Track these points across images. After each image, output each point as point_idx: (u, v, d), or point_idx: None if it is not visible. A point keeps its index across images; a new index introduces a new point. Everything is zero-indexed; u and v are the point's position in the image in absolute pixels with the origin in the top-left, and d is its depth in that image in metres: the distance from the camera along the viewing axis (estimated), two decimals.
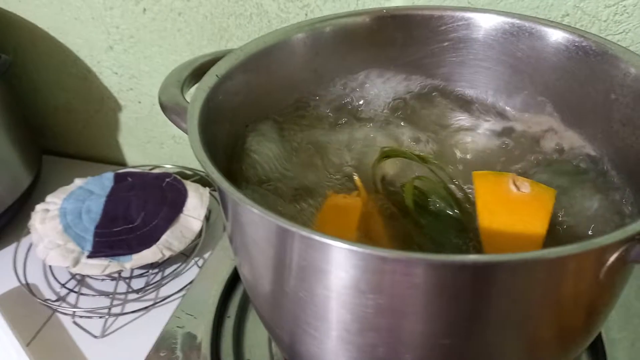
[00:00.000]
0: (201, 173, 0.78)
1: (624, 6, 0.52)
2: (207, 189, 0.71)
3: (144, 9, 0.67)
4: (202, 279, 0.54)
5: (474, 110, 0.46)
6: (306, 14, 0.62)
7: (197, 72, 0.39)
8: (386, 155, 0.42)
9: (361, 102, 0.46)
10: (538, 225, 0.36)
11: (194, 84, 0.40)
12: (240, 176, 0.41)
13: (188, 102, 0.36)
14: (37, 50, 0.75)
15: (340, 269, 0.29)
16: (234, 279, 0.52)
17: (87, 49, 0.73)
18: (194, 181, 0.74)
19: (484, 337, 0.30)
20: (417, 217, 0.38)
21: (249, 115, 0.42)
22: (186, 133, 0.34)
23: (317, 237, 0.28)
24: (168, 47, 0.70)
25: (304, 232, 0.28)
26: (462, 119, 0.46)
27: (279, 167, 0.41)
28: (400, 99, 0.47)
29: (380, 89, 0.46)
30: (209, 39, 0.68)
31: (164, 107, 0.37)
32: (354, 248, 0.27)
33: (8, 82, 0.69)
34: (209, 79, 0.37)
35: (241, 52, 0.40)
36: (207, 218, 0.69)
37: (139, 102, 0.76)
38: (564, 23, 0.50)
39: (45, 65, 0.76)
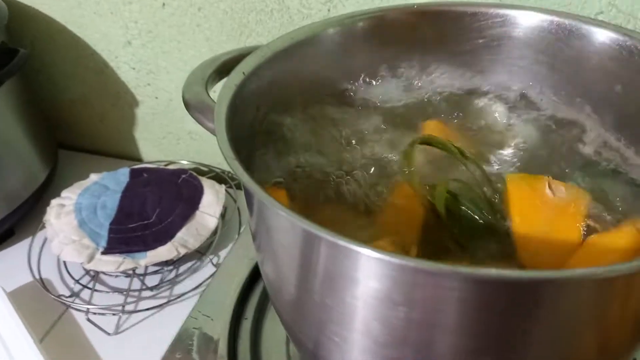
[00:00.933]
0: (217, 170, 0.77)
1: None
2: (223, 186, 0.71)
3: (163, 4, 0.67)
4: (219, 278, 0.53)
5: (508, 110, 0.45)
6: (329, 10, 0.61)
7: (221, 70, 0.39)
8: (423, 141, 0.40)
9: (391, 100, 0.45)
10: (574, 232, 0.35)
11: (217, 82, 0.39)
12: (264, 169, 0.40)
13: (212, 100, 0.36)
14: (54, 44, 0.75)
15: (369, 278, 0.28)
16: (252, 280, 0.52)
17: (104, 44, 0.73)
18: (210, 177, 0.73)
19: (519, 355, 0.29)
20: (449, 222, 0.36)
21: (276, 111, 0.41)
22: (210, 132, 0.33)
23: (345, 244, 0.27)
24: (187, 42, 0.69)
25: (333, 238, 0.27)
26: (496, 117, 0.44)
27: (308, 158, 0.40)
28: (430, 97, 0.45)
29: (410, 86, 0.45)
30: (228, 34, 0.67)
31: (187, 105, 0.36)
32: (384, 257, 0.26)
33: (25, 75, 0.69)
34: (236, 77, 0.36)
35: (268, 49, 0.39)
36: (223, 215, 0.68)
37: (156, 98, 0.75)
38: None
39: (62, 59, 0.76)
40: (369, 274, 0.28)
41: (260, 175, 0.38)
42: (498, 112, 0.44)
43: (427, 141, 0.41)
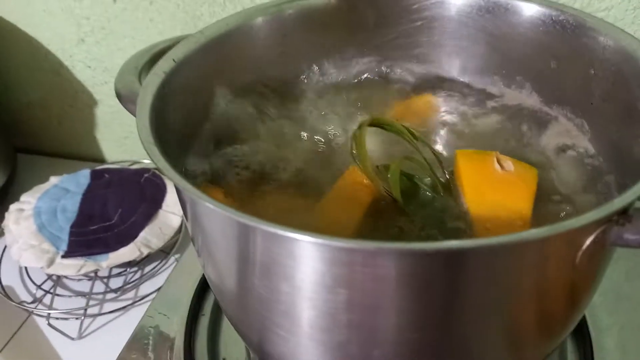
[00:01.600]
0: None
1: None
2: None
3: None
4: (176, 276, 0.52)
5: (451, 91, 0.44)
6: None
7: (156, 58, 0.37)
8: (373, 123, 0.40)
9: (331, 85, 0.44)
10: (524, 205, 0.34)
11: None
12: (207, 165, 0.39)
13: None
14: (5, 45, 0.73)
15: (304, 264, 0.27)
16: None
17: (58, 43, 0.71)
18: None
19: (460, 328, 0.29)
20: (403, 201, 0.36)
21: (212, 101, 0.40)
22: None
23: (276, 231, 0.26)
24: (141, 38, 0.68)
25: (263, 226, 0.26)
26: (440, 99, 0.44)
27: (248, 148, 0.39)
28: (373, 81, 0.45)
29: (350, 72, 0.44)
30: (182, 28, 0.65)
31: (119, 95, 0.35)
32: (318, 240, 0.25)
33: None
34: (165, 64, 0.35)
35: (201, 35, 0.38)
36: None
37: (115, 96, 0.74)
38: None
39: (14, 60, 0.74)
40: (301, 260, 0.27)
41: (196, 170, 0.37)
42: (440, 93, 0.44)
43: (376, 123, 0.40)
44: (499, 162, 0.37)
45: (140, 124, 0.30)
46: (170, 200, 0.67)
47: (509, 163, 0.37)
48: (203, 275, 0.50)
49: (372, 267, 0.27)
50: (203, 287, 0.49)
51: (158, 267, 0.63)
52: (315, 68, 0.44)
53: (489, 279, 0.26)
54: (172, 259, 0.64)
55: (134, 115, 0.34)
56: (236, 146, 0.39)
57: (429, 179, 0.38)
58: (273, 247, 0.28)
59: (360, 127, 0.39)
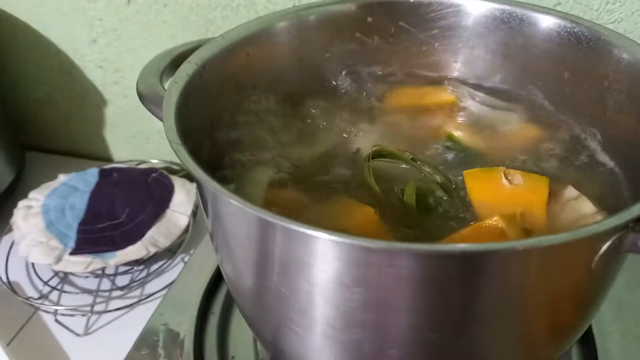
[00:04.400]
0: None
1: None
2: (194, 184, 0.70)
3: (128, 1, 0.66)
4: (186, 275, 0.52)
5: (463, 100, 0.45)
6: (294, 5, 0.61)
7: (177, 61, 0.38)
8: (375, 155, 0.40)
9: (349, 93, 0.45)
10: (537, 216, 0.35)
11: (173, 73, 0.38)
12: (228, 166, 0.39)
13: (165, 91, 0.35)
14: (17, 43, 0.73)
15: (323, 262, 0.28)
16: (219, 275, 0.51)
17: (69, 42, 0.71)
18: (181, 176, 0.72)
19: (477, 330, 0.29)
20: (419, 216, 0.36)
21: (233, 103, 0.41)
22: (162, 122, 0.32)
23: (298, 228, 0.26)
24: (153, 39, 0.68)
25: (285, 223, 0.27)
26: (450, 108, 0.45)
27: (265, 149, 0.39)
28: (388, 89, 0.45)
29: (367, 78, 0.45)
30: (194, 31, 0.66)
31: (141, 97, 0.35)
32: (338, 239, 0.26)
33: None
34: (188, 67, 0.36)
35: (222, 39, 0.39)
36: (194, 214, 0.68)
37: (125, 97, 0.74)
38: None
39: (25, 58, 0.75)
40: (321, 258, 0.27)
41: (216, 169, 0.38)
42: (451, 103, 0.44)
43: (379, 153, 0.41)
44: (506, 177, 0.38)
45: (168, 126, 0.30)
46: (178, 200, 0.68)
47: (517, 176, 0.38)
48: (213, 274, 0.51)
49: (392, 267, 0.27)
50: (213, 286, 0.50)
51: (164, 265, 0.64)
52: (334, 74, 0.45)
53: (507, 282, 0.27)
54: (178, 258, 0.65)
55: (155, 115, 0.35)
56: (252, 149, 0.40)
57: (444, 199, 0.38)
58: (294, 244, 0.28)
59: (365, 161, 0.40)
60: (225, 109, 0.40)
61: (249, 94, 0.42)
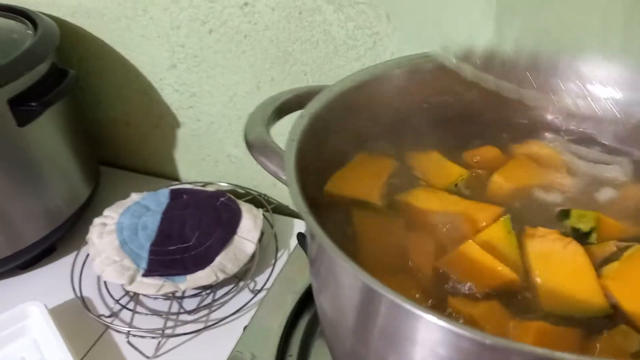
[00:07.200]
0: (254, 192, 0.77)
1: None
2: (261, 210, 0.71)
3: (210, 30, 0.68)
4: (263, 312, 0.53)
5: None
6: (374, 42, 0.61)
7: (280, 110, 0.39)
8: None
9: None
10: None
11: (276, 121, 0.39)
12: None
13: (272, 141, 0.36)
14: (101, 64, 0.76)
15: (432, 343, 0.28)
16: (296, 315, 0.51)
17: (150, 66, 0.74)
18: (247, 201, 0.74)
19: None
20: None
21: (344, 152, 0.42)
22: (274, 175, 0.33)
23: (408, 307, 0.26)
24: (231, 68, 0.70)
25: (396, 299, 0.27)
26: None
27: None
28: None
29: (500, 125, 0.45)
30: (272, 62, 0.67)
31: (250, 147, 0.36)
32: (451, 327, 0.26)
33: (71, 94, 0.70)
34: (301, 122, 0.36)
35: (330, 91, 0.39)
36: (259, 240, 0.69)
37: (198, 120, 0.76)
38: None
39: (107, 79, 0.77)
40: (432, 339, 0.27)
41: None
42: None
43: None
44: None
45: (293, 191, 0.30)
46: (245, 226, 0.69)
47: None
48: (290, 313, 0.51)
49: None
50: (290, 326, 0.50)
51: (230, 292, 0.65)
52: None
53: None
54: (244, 285, 0.66)
55: (262, 166, 0.36)
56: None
57: None
58: (399, 318, 0.28)
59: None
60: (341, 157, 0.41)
61: (358, 141, 0.42)
